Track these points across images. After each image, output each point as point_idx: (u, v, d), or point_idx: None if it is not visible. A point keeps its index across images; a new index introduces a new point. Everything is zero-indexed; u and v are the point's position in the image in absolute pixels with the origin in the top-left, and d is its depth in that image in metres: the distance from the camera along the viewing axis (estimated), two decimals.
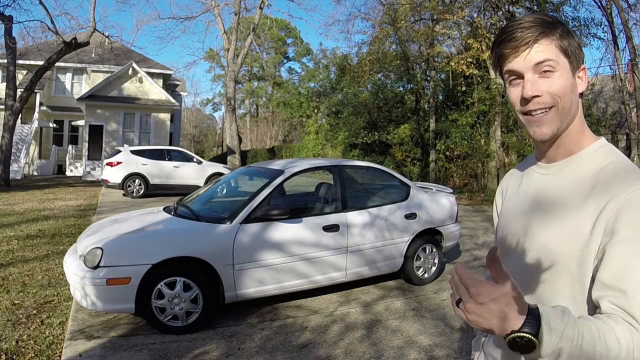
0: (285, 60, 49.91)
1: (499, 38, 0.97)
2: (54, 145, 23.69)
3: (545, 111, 0.94)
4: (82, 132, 22.88)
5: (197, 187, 11.98)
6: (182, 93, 30.14)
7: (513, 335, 0.77)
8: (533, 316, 0.77)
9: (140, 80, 21.85)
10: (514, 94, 0.97)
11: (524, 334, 0.76)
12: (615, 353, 0.77)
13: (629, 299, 0.81)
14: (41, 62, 17.55)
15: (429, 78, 17.68)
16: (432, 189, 5.87)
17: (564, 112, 0.94)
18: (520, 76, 0.96)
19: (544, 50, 0.93)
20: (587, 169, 0.95)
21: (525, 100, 0.95)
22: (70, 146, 23.55)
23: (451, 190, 5.99)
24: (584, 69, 0.98)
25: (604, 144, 0.98)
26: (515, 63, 0.95)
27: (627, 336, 0.79)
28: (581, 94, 0.98)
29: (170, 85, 27.84)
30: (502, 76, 1.02)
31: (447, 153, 16.52)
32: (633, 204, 0.84)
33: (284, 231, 4.18)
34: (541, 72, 0.93)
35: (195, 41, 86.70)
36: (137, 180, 13.34)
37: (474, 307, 0.78)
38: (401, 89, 19.95)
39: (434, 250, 5.18)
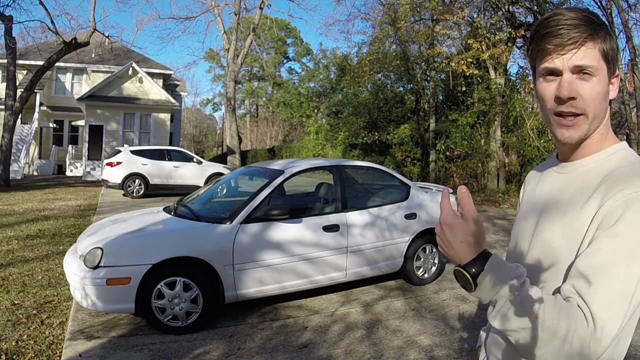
0: (285, 60, 49.92)
1: (542, 30, 0.92)
2: (54, 145, 23.70)
3: (577, 116, 0.92)
4: (82, 132, 22.88)
5: (197, 187, 11.98)
6: (182, 93, 30.15)
7: (458, 267, 0.86)
8: (482, 260, 0.84)
9: (140, 80, 21.85)
10: (548, 90, 0.93)
11: (464, 271, 0.84)
12: (550, 331, 0.79)
13: (593, 292, 0.80)
14: (41, 62, 17.55)
15: (429, 78, 17.67)
16: (432, 189, 5.87)
17: (594, 119, 0.92)
18: (556, 73, 0.92)
19: (589, 54, 0.89)
20: (601, 169, 0.93)
21: (559, 100, 0.92)
22: (70, 146, 23.56)
23: (451, 191, 5.98)
24: (617, 75, 0.95)
25: (623, 147, 0.96)
26: (557, 61, 0.91)
27: (571, 322, 0.78)
28: (611, 100, 0.96)
29: (170, 85, 27.84)
30: (534, 69, 0.98)
31: (447, 153, 16.51)
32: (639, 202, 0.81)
33: (284, 231, 4.18)
34: (580, 74, 0.90)
35: (195, 41, 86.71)
36: (137, 180, 13.34)
37: (439, 232, 0.89)
38: (401, 89, 19.95)
39: (434, 250, 5.18)
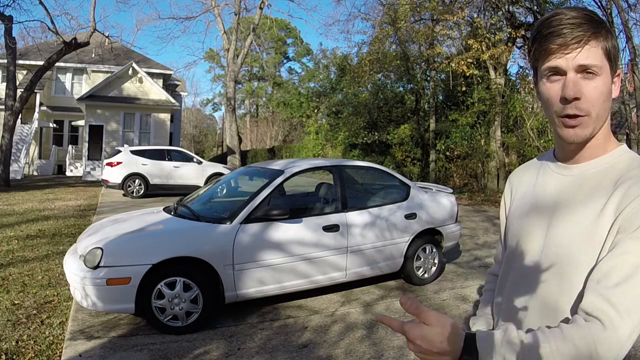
0: (285, 60, 49.93)
1: (545, 30, 0.91)
2: (54, 145, 23.69)
3: (582, 116, 0.91)
4: (82, 132, 22.88)
5: (197, 187, 11.98)
6: (182, 93, 30.16)
7: None
8: (471, 346, 0.83)
9: (140, 81, 21.84)
10: (553, 91, 0.93)
11: None
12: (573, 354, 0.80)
13: (621, 292, 0.81)
14: (41, 62, 17.54)
15: (429, 78, 17.68)
16: (432, 189, 5.86)
17: (598, 119, 0.92)
18: (560, 73, 0.91)
19: (593, 53, 0.89)
20: (611, 173, 0.93)
21: (565, 100, 0.91)
22: (70, 146, 23.55)
23: (451, 191, 5.99)
24: (619, 74, 0.94)
25: (627, 150, 0.97)
26: (561, 61, 0.90)
27: (588, 338, 0.80)
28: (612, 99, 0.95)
29: (170, 85, 27.84)
30: (536, 69, 0.98)
31: (447, 153, 16.52)
32: None
33: (284, 231, 4.18)
34: (583, 73, 0.89)
35: (195, 41, 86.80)
36: (137, 180, 13.34)
37: (414, 349, 0.84)
38: (401, 89, 19.96)
39: (434, 250, 5.18)
